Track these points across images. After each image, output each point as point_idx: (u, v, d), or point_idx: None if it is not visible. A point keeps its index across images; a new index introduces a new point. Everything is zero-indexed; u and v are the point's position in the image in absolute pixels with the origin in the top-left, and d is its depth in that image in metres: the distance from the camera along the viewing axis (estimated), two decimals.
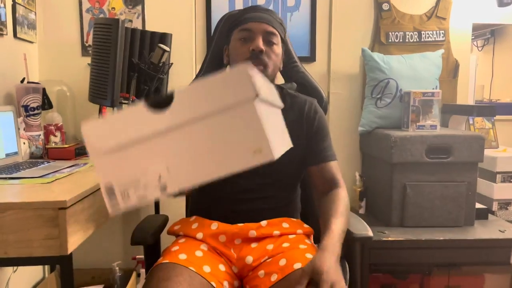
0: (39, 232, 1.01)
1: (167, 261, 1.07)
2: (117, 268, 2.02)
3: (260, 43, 1.14)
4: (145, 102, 0.77)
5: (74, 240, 1.06)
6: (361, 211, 2.05)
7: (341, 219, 1.10)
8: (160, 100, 0.77)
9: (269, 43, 1.16)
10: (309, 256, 1.06)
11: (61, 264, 1.04)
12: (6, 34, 1.75)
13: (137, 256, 2.09)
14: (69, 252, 1.03)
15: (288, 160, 1.06)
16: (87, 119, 0.80)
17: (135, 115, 0.77)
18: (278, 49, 1.19)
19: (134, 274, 1.98)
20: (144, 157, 0.77)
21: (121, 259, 2.10)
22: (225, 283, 1.09)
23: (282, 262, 1.06)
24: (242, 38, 1.17)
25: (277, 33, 1.17)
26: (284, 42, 1.23)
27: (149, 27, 2.03)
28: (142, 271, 2.03)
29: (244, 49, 1.16)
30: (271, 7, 2.11)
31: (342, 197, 1.16)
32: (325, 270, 0.92)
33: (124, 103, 1.85)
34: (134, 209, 0.77)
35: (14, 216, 1.00)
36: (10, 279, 1.75)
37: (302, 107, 1.25)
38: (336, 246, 1.02)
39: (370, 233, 1.21)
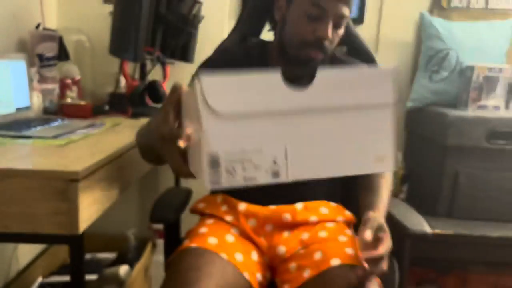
0: (46, 205, 0.86)
1: (195, 245, 0.94)
2: (132, 236, 1.91)
3: (329, 31, 0.94)
4: (283, 73, 0.66)
5: (87, 217, 0.91)
6: (402, 196, 1.87)
7: (388, 185, 1.04)
8: (298, 75, 0.81)
9: (336, 26, 0.97)
10: (349, 251, 0.94)
11: (71, 245, 0.90)
12: None
13: (154, 225, 1.97)
14: (80, 231, 0.88)
15: None
16: (206, 75, 0.65)
17: (268, 84, 0.67)
18: (342, 29, 0.99)
19: (150, 245, 1.88)
20: (264, 134, 0.67)
21: (137, 226, 1.99)
22: (258, 276, 0.97)
23: (318, 255, 0.93)
24: (310, 14, 0.95)
25: (348, 14, 0.96)
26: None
27: None
28: (158, 241, 1.92)
29: (309, 30, 0.96)
30: None
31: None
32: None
33: (148, 59, 1.68)
34: (235, 187, 0.66)
35: (17, 185, 0.85)
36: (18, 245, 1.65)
37: None
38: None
39: (427, 228, 1.05)
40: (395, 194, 1.86)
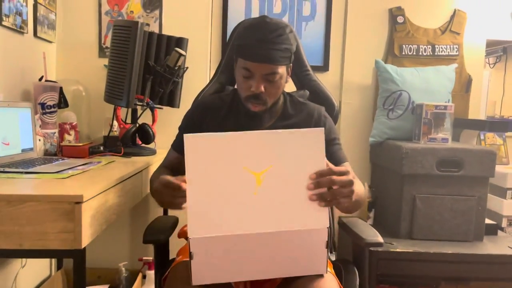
0: (54, 225, 1.02)
1: (187, 259, 1.07)
2: (123, 268, 2.02)
3: (260, 86, 1.15)
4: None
5: (88, 234, 1.07)
6: (369, 222, 2.04)
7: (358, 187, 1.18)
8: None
9: (269, 81, 1.17)
10: None
11: (75, 257, 1.05)
12: (27, 33, 1.79)
13: (144, 258, 2.09)
14: (83, 246, 1.04)
15: None
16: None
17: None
18: (280, 79, 1.19)
19: (140, 276, 1.99)
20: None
21: (128, 260, 2.11)
22: (241, 286, 1.11)
23: None
24: (243, 74, 1.17)
25: (277, 70, 1.16)
26: (290, 62, 1.21)
27: (166, 31, 2.07)
28: (148, 272, 2.03)
29: (246, 86, 1.18)
30: (286, 17, 2.14)
31: (358, 182, 1.24)
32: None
33: (139, 105, 1.87)
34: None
35: (31, 208, 1.02)
36: (18, 274, 1.76)
37: (311, 113, 1.28)
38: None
39: (380, 239, 1.21)
40: (363, 219, 2.05)
